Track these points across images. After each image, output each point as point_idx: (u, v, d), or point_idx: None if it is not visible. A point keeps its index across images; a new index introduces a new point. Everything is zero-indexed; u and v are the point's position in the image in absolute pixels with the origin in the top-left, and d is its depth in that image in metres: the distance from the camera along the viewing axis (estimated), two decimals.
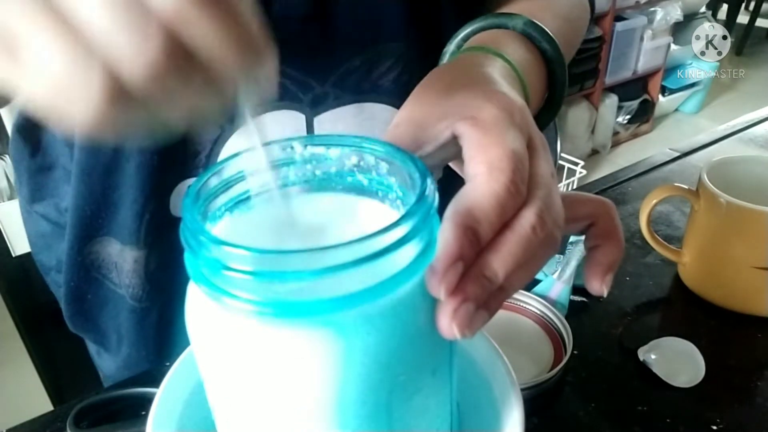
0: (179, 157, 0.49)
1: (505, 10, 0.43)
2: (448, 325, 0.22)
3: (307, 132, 0.50)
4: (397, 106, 0.53)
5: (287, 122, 0.49)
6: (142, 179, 0.48)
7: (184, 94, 0.20)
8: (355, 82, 0.50)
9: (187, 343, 0.55)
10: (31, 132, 0.56)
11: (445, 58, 0.42)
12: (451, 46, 0.41)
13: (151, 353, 0.56)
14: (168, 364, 0.31)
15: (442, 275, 0.22)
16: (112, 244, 0.52)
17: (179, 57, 0.19)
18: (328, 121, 0.50)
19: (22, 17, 0.19)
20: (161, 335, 0.55)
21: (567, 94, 0.41)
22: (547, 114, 0.41)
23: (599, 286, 0.30)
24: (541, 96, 0.40)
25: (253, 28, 0.20)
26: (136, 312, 0.54)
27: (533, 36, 0.39)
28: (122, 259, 0.52)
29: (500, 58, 0.34)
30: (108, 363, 0.60)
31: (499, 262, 0.23)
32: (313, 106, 0.49)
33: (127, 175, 0.49)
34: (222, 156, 0.50)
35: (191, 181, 0.50)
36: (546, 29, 0.39)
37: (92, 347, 0.63)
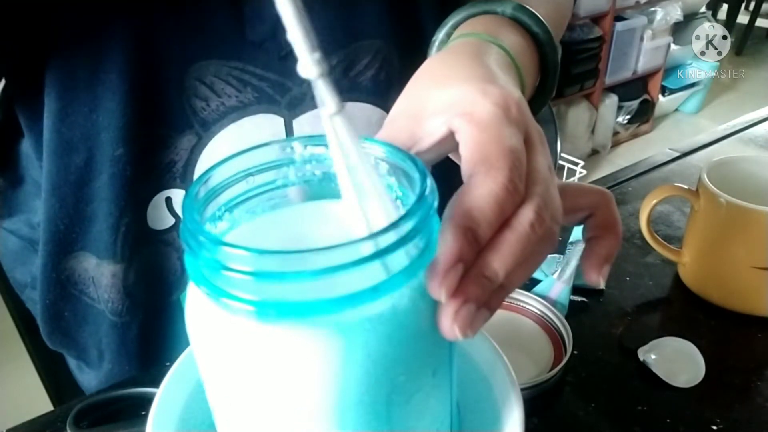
0: (154, 167, 0.47)
1: None
2: (449, 326, 0.22)
3: (286, 135, 0.49)
4: (377, 105, 0.51)
5: (265, 125, 0.48)
6: (116, 191, 0.47)
7: None
8: (333, 82, 0.49)
9: (169, 353, 0.54)
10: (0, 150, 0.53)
11: (435, 46, 0.41)
12: (440, 35, 0.40)
13: (134, 367, 0.54)
14: (168, 364, 0.31)
15: (442, 277, 0.22)
16: (88, 259, 0.50)
17: None
18: (307, 123, 0.49)
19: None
20: (143, 348, 0.54)
21: (558, 78, 0.41)
22: (540, 99, 0.40)
23: (596, 278, 0.30)
24: (534, 81, 0.39)
25: None
26: (116, 327, 0.52)
27: (523, 21, 0.38)
28: (99, 273, 0.50)
29: (495, 45, 0.34)
30: (89, 378, 0.58)
31: (499, 261, 0.23)
32: (290, 108, 0.48)
33: (100, 187, 0.47)
34: (200, 165, 0.48)
35: (169, 192, 0.48)
36: (536, 13, 0.38)
37: (72, 362, 0.61)
